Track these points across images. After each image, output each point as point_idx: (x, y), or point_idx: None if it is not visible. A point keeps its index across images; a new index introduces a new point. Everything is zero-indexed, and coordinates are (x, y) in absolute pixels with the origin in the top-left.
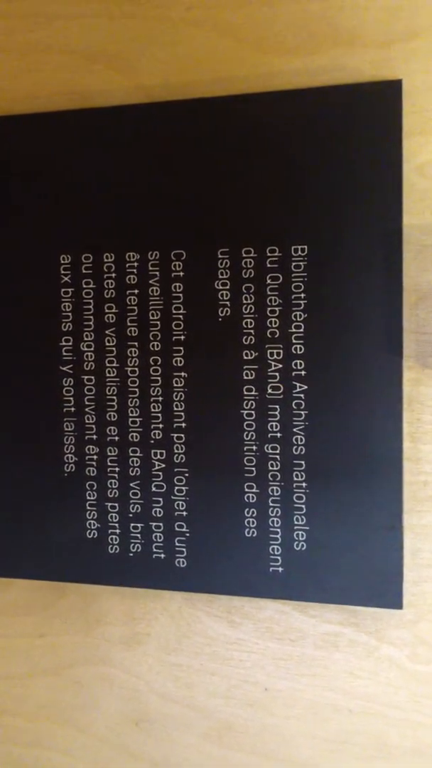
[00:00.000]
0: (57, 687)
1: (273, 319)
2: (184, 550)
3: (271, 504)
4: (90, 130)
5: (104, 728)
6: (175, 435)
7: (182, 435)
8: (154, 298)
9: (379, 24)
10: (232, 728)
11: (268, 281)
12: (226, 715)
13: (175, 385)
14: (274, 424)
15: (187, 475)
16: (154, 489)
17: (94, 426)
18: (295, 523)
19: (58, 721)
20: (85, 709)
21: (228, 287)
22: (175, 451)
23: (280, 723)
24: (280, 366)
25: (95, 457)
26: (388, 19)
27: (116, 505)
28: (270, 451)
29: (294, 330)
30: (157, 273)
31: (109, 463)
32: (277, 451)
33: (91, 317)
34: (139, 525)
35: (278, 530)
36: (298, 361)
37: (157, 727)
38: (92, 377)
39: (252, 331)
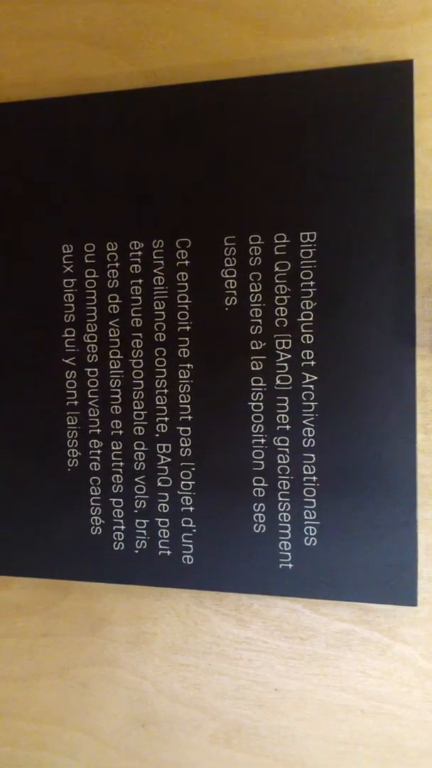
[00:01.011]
0: (61, 688)
1: (281, 308)
2: (190, 546)
3: (280, 498)
4: (93, 116)
5: (110, 730)
6: (181, 428)
7: (188, 428)
8: (159, 287)
9: (389, 3)
10: (241, 730)
11: (276, 269)
12: (234, 716)
13: (180, 377)
14: (283, 416)
15: (193, 469)
16: (159, 484)
17: (97, 420)
18: (306, 518)
19: (62, 723)
20: (90, 710)
21: (234, 276)
22: (181, 444)
23: (291, 724)
24: (289, 356)
25: (99, 451)
26: None
27: (121, 500)
28: (279, 444)
29: (303, 319)
30: (162, 262)
31: (113, 458)
32: (286, 444)
33: (94, 308)
34: (144, 521)
35: (288, 525)
36: (308, 351)
37: (163, 729)
38: (95, 370)
39: (259, 320)
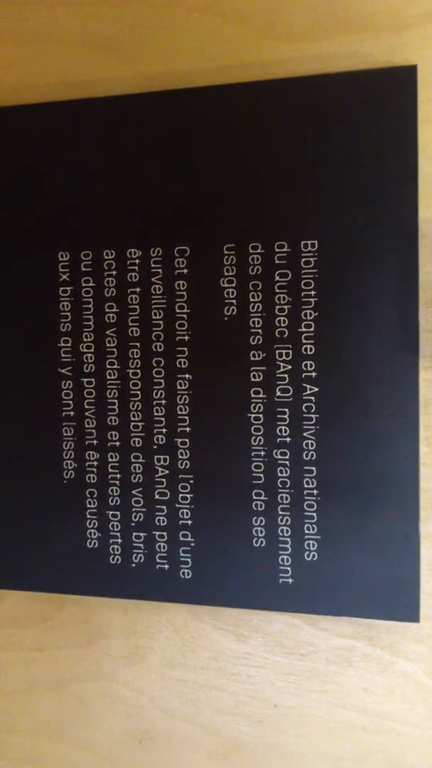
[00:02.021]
0: (57, 703)
1: (282, 318)
2: (188, 560)
3: (280, 512)
4: (90, 121)
5: (106, 746)
6: (179, 440)
7: (186, 440)
8: (157, 296)
9: (393, 7)
10: (239, 746)
11: (277, 278)
12: (233, 732)
13: (178, 387)
14: (283, 428)
15: (191, 482)
16: (157, 496)
17: (94, 431)
18: (306, 532)
19: (58, 738)
20: (86, 726)
21: (234, 285)
22: (179, 456)
23: (290, 741)
24: (290, 367)
25: (95, 463)
26: (402, 2)
27: (118, 513)
28: (279, 457)
29: (304, 329)
30: (160, 270)
31: (110, 470)
32: (287, 457)
33: (91, 317)
34: (141, 534)
35: (288, 540)
36: (309, 362)
37: (161, 745)
38: (92, 380)
39: (259, 330)
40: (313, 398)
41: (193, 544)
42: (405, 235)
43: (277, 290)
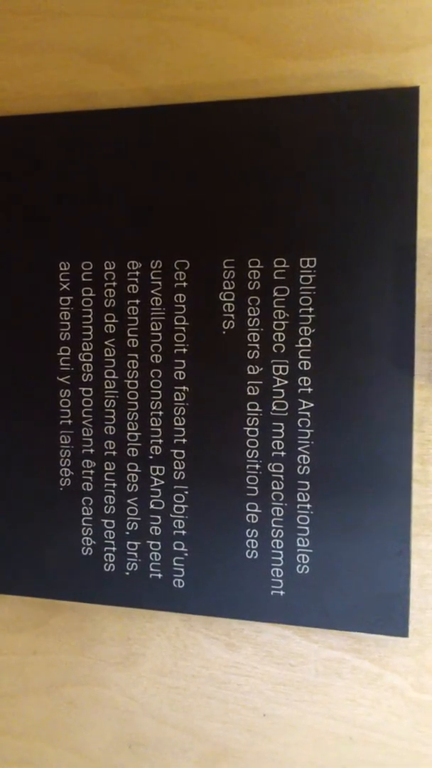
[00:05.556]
0: (49, 706)
1: (279, 333)
2: (182, 570)
3: (273, 525)
4: (92, 133)
5: (97, 750)
6: (175, 451)
7: (182, 451)
8: (156, 308)
9: (397, 28)
10: (228, 753)
11: (275, 294)
12: (222, 740)
13: (175, 399)
14: (278, 442)
15: (186, 492)
16: (152, 506)
17: (91, 439)
18: (298, 545)
19: (49, 741)
20: (78, 729)
21: (233, 299)
22: (175, 467)
23: (279, 750)
24: (286, 382)
25: (92, 471)
26: (405, 22)
27: (113, 521)
28: (273, 470)
29: (301, 345)
30: (160, 283)
31: (106, 478)
32: (281, 471)
33: (90, 327)
34: (135, 543)
35: (280, 552)
36: (305, 378)
37: (151, 751)
38: (90, 389)
39: (257, 345)
40: (308, 413)
41: (186, 554)
42: (403, 255)
43: (275, 306)
